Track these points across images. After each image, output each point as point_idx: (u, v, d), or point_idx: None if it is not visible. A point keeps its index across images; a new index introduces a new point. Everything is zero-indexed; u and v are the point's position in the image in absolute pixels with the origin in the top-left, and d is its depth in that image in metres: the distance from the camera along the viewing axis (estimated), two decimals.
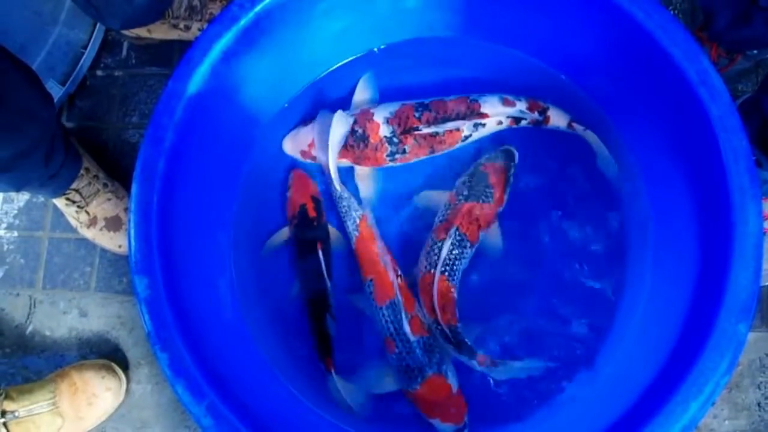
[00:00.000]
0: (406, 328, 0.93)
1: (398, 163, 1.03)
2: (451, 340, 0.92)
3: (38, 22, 1.20)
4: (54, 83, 1.24)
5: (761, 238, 0.74)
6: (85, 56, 1.28)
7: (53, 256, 1.28)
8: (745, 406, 1.09)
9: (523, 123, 1.01)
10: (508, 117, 1.00)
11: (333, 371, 0.95)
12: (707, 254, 0.81)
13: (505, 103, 1.00)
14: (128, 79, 1.33)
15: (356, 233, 1.00)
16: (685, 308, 0.81)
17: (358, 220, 1.00)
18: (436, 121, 0.99)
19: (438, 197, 1.03)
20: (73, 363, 1.18)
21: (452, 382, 0.93)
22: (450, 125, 0.98)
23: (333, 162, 0.99)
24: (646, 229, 0.97)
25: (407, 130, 0.99)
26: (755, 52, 1.13)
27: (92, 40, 1.29)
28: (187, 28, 1.21)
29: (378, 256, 0.98)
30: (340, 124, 0.99)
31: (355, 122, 1.01)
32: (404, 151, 1.00)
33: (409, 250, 1.03)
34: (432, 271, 0.95)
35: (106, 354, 1.22)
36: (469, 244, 0.97)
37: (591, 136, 0.99)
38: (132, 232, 0.82)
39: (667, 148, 0.90)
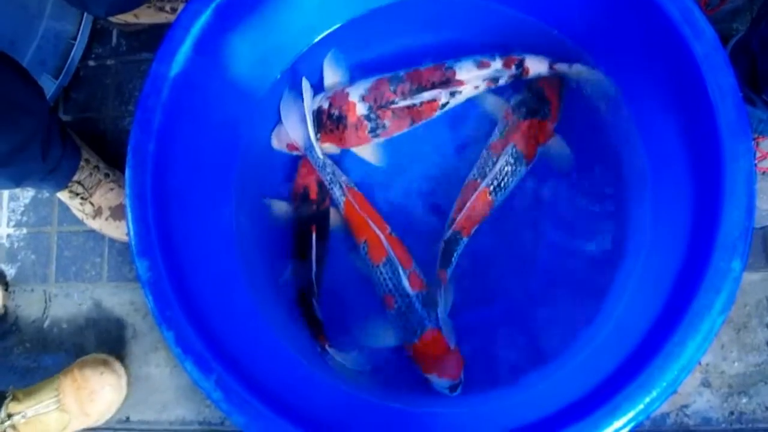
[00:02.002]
0: (405, 283, 0.95)
1: (382, 138, 1.03)
2: (446, 241, 0.95)
3: (25, 17, 1.20)
4: (47, 77, 1.25)
5: (752, 174, 0.74)
6: (75, 47, 1.28)
7: (63, 250, 1.30)
8: (754, 346, 1.09)
9: (502, 81, 1.00)
10: (484, 79, 0.99)
11: (327, 347, 0.97)
12: (701, 194, 0.80)
13: (481, 65, 0.99)
14: (121, 67, 1.33)
15: (343, 198, 1.00)
16: (682, 251, 0.81)
17: (343, 186, 1.00)
18: (412, 93, 0.98)
19: (496, 102, 1.04)
20: (84, 356, 1.20)
21: (450, 337, 0.94)
22: (426, 95, 0.98)
23: (311, 127, 0.99)
24: (643, 175, 0.96)
25: (384, 105, 0.99)
26: None
27: (81, 30, 1.28)
28: (174, 10, 1.21)
29: (366, 218, 0.99)
30: (308, 91, 1.00)
31: (330, 105, 1.01)
32: (385, 126, 1.00)
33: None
34: (478, 180, 0.97)
35: (124, 341, 1.24)
36: (524, 162, 0.98)
37: (579, 69, 0.98)
38: (129, 215, 0.83)
39: (656, 91, 0.89)
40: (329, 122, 1.00)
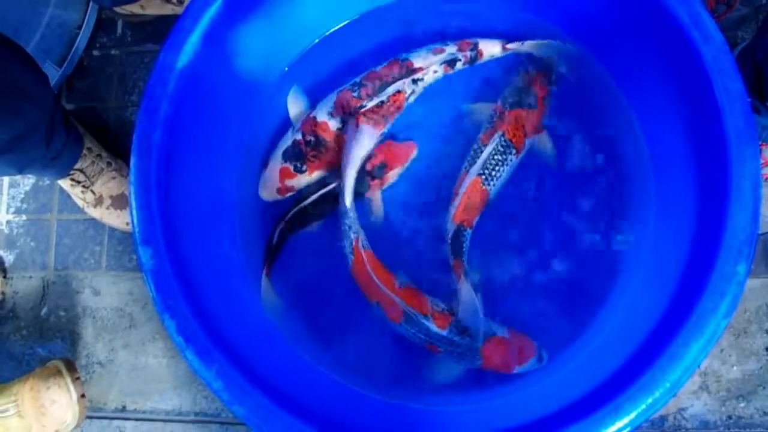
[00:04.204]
0: (434, 328, 0.93)
1: None
2: (452, 236, 0.95)
3: (30, 5, 1.20)
4: (51, 65, 1.24)
5: (759, 179, 0.74)
6: (80, 37, 1.28)
7: (63, 238, 1.30)
8: (753, 352, 1.09)
9: (459, 65, 1.02)
10: (441, 63, 1.00)
11: (266, 274, 0.99)
12: (706, 197, 0.80)
13: (435, 51, 1.01)
14: (125, 57, 1.33)
15: (351, 257, 0.97)
16: (686, 253, 0.81)
17: (353, 242, 0.96)
18: (376, 92, 0.99)
19: (485, 109, 1.04)
20: (48, 363, 1.20)
21: (499, 332, 0.94)
22: (390, 89, 0.99)
23: (349, 184, 0.97)
24: (647, 177, 0.96)
25: (354, 113, 0.99)
26: None
27: (86, 19, 1.28)
28: (180, 1, 1.21)
29: (374, 279, 0.95)
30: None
31: (303, 134, 1.01)
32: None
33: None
34: (468, 170, 0.97)
35: (122, 331, 1.24)
36: (514, 151, 0.98)
37: (531, 43, 1.00)
38: (133, 203, 0.83)
39: (662, 94, 0.89)
40: (309, 150, 1.01)
